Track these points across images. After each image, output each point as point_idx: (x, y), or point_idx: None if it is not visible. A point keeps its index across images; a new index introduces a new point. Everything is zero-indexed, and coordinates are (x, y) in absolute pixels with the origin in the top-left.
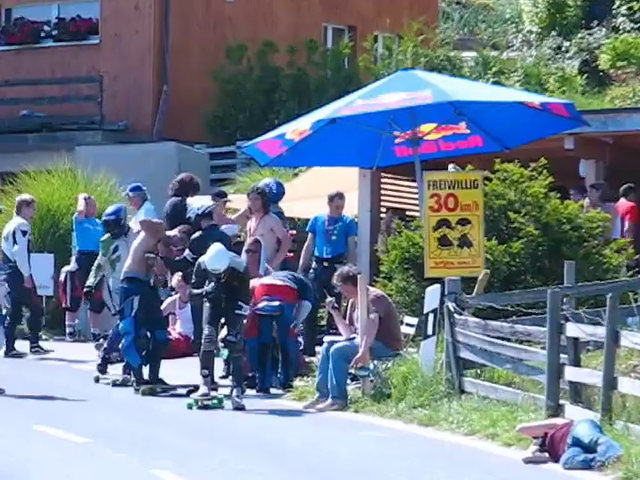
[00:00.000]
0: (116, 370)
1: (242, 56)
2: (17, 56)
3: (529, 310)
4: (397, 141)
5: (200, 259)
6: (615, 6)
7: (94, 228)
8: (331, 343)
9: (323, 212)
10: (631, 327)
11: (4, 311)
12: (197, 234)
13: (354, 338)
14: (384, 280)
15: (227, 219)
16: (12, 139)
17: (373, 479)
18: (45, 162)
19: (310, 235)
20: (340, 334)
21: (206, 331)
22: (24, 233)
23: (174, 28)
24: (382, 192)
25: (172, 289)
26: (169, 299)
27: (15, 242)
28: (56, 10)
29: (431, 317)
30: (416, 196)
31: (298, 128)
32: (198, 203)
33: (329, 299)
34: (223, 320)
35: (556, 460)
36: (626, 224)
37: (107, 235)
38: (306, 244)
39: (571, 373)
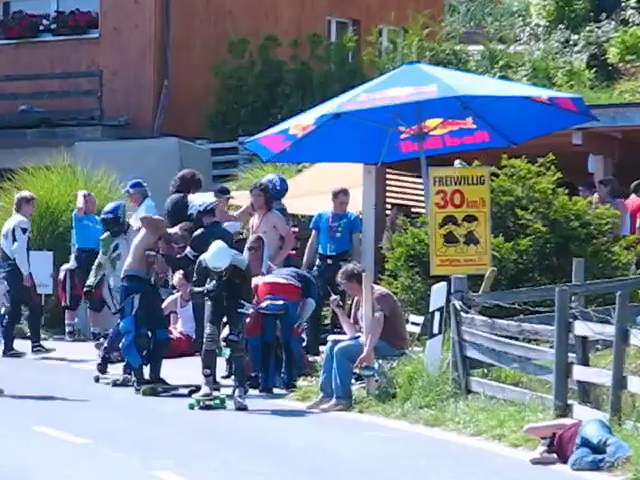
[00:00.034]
0: (116, 370)
1: (244, 50)
2: (16, 50)
3: (537, 308)
4: (402, 136)
5: (201, 257)
6: None
7: (94, 225)
8: (335, 342)
9: (327, 209)
10: None
11: (3, 310)
12: (199, 231)
13: (359, 337)
14: (389, 278)
15: (230, 216)
16: (10, 135)
17: (379, 478)
18: (44, 158)
19: (314, 232)
20: (344, 333)
21: (208, 330)
22: (24, 231)
23: (175, 22)
24: (387, 188)
25: (173, 287)
26: (170, 297)
27: (15, 240)
28: (55, 3)
29: (437, 315)
30: (422, 192)
31: (301, 123)
32: (200, 200)
33: (333, 297)
34: (225, 319)
35: (564, 461)
36: (637, 221)
37: (106, 233)
38: (310, 241)
39: (579, 372)
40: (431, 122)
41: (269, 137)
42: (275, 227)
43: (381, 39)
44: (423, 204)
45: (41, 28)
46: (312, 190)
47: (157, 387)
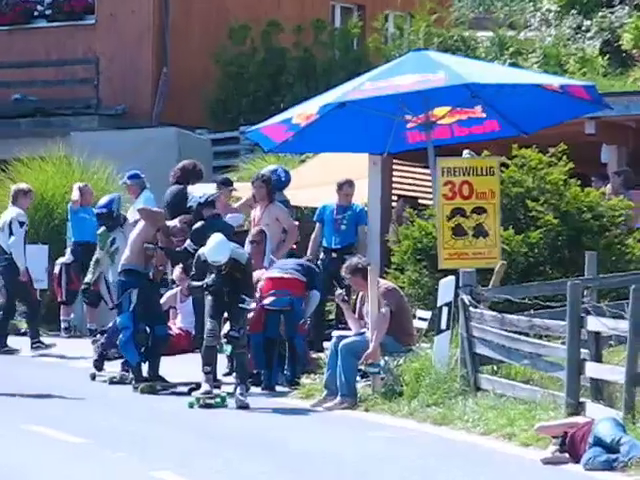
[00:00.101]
0: (113, 367)
1: (245, 36)
2: (9, 37)
3: (548, 303)
4: (409, 126)
5: (200, 250)
6: None
7: (90, 218)
8: (340, 338)
9: (331, 200)
10: None
11: None
12: (199, 224)
13: (364, 333)
14: (395, 272)
15: (232, 208)
16: (4, 124)
17: (384, 479)
18: (39, 149)
19: (318, 225)
20: (349, 329)
21: (208, 325)
22: (21, 224)
23: (174, 7)
24: (393, 179)
25: (173, 282)
26: (169, 292)
27: (11, 233)
28: None
29: (445, 311)
30: (429, 184)
31: (305, 112)
32: (200, 191)
33: (338, 291)
34: (226, 314)
35: (577, 461)
36: None
37: (102, 228)
38: (314, 234)
39: (592, 369)
40: (439, 110)
41: (271, 127)
42: (278, 220)
43: (387, 25)
44: (430, 196)
45: (35, 14)
46: (316, 181)
47: (156, 385)
